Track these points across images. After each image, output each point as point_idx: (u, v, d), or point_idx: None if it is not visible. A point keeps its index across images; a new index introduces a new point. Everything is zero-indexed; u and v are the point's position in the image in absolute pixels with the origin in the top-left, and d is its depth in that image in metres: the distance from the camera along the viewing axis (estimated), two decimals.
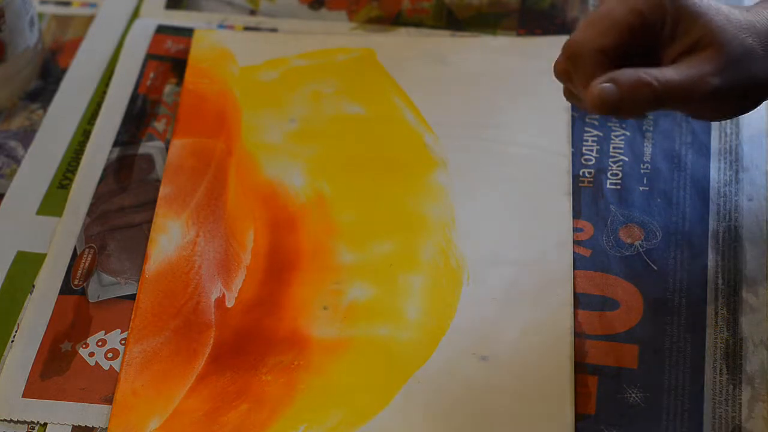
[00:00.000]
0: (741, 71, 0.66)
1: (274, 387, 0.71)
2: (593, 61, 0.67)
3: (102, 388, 0.71)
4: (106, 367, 0.72)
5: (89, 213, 0.80)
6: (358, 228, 0.78)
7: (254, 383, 0.71)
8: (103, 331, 0.74)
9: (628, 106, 0.65)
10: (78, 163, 0.83)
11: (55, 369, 0.72)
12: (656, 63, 0.68)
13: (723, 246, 0.76)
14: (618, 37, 0.67)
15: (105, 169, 0.82)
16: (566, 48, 0.68)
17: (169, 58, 0.88)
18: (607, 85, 0.65)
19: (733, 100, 0.68)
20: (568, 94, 0.71)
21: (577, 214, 0.78)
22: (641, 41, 0.68)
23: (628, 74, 0.65)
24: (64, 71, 0.88)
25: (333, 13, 0.91)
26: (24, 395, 0.71)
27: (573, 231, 0.77)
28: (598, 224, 0.77)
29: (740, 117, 0.82)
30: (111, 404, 0.70)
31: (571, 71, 0.68)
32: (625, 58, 0.67)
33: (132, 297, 0.75)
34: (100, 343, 0.73)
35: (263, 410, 0.70)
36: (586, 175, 0.80)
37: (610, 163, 0.80)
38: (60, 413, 0.70)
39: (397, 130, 0.83)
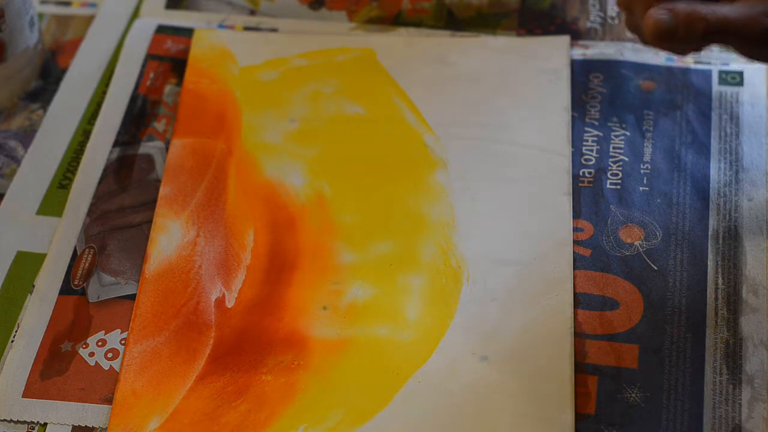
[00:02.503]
0: None
1: (274, 387, 0.71)
2: None
3: (102, 388, 0.71)
4: (106, 367, 0.72)
5: (89, 213, 0.79)
6: (358, 228, 0.78)
7: (254, 383, 0.71)
8: (103, 331, 0.74)
9: (682, 38, 0.67)
10: (78, 163, 0.83)
11: (55, 369, 0.72)
12: None
13: (723, 246, 0.76)
14: None
15: (105, 169, 0.82)
16: None
17: (169, 58, 0.88)
18: (664, 14, 0.67)
19: None
20: (629, 24, 0.73)
21: (577, 214, 0.77)
22: None
23: (684, 6, 0.67)
24: (64, 71, 0.88)
25: (333, 13, 0.91)
26: (24, 395, 0.71)
27: (573, 231, 0.76)
28: (598, 224, 0.77)
29: (740, 117, 0.82)
30: (111, 404, 0.70)
31: (631, 0, 0.69)
32: None
33: (132, 297, 0.75)
34: (100, 343, 0.73)
35: (263, 410, 0.70)
36: (586, 175, 0.80)
37: (610, 163, 0.80)
38: (60, 413, 0.70)
39: (397, 130, 0.83)
